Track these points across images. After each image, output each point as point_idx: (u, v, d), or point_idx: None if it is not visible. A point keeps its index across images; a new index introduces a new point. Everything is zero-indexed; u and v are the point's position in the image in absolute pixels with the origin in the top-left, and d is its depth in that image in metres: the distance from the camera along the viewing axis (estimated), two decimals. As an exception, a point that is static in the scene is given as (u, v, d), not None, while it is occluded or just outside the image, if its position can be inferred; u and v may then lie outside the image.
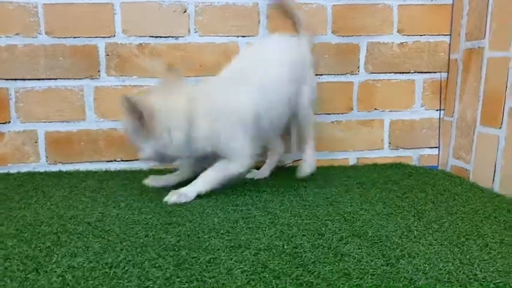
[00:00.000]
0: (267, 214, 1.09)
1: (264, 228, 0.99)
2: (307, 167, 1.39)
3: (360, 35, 1.60)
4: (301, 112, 1.38)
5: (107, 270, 0.77)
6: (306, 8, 1.56)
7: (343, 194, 1.28)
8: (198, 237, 0.93)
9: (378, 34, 1.61)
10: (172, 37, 1.53)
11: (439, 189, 1.34)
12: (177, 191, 1.19)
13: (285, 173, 1.49)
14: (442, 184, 1.41)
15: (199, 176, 1.23)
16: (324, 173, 1.52)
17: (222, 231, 0.97)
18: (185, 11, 1.52)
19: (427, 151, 1.71)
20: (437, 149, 1.71)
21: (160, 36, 1.53)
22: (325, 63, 1.60)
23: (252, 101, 1.23)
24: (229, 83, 1.26)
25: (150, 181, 1.32)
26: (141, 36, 1.52)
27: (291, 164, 1.62)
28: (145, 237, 0.93)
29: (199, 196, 1.21)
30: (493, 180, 1.38)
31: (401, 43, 1.62)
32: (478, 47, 1.47)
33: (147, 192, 1.27)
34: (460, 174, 1.54)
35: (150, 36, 1.53)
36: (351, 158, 1.69)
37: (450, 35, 1.64)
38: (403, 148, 1.69)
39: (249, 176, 1.43)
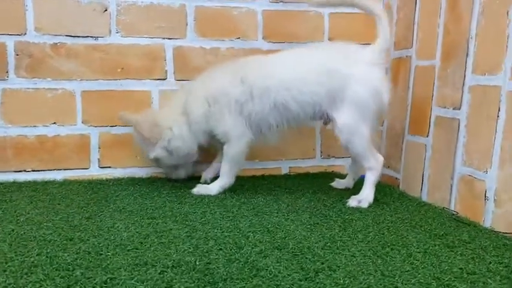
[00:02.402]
0: (184, 227, 1.00)
1: (177, 243, 0.90)
2: (363, 201, 1.23)
3: (292, 42, 1.57)
4: (339, 135, 1.24)
5: (-22, 296, 0.65)
6: (236, 12, 1.51)
7: (271, 204, 1.22)
8: (100, 255, 0.82)
9: (309, 41, 1.58)
10: (91, 37, 1.42)
11: (368, 198, 1.31)
12: (203, 185, 1.33)
13: (210, 183, 1.41)
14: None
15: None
16: (254, 183, 1.45)
17: (129, 248, 0.87)
18: (106, 10, 1.42)
19: (360, 160, 1.69)
20: (369, 158, 1.70)
21: (78, 36, 1.41)
22: (256, 69, 1.55)
23: (234, 88, 1.25)
24: (219, 71, 1.32)
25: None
26: (56, 35, 1.40)
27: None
28: (37, 255, 0.81)
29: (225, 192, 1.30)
30: (421, 189, 1.37)
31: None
32: (406, 56, 1.47)
33: (54, 205, 1.15)
34: (391, 183, 1.53)
35: (67, 36, 1.40)
36: (283, 167, 1.63)
37: (380, 44, 1.64)
38: (335, 157, 1.67)
39: (334, 185, 1.44)
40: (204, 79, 1.34)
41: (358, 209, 1.20)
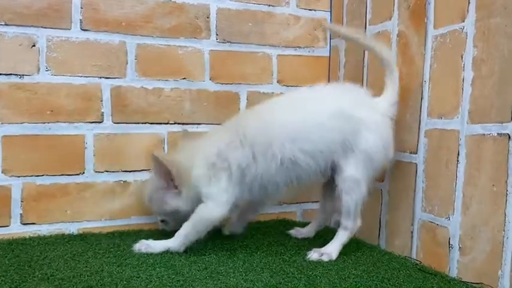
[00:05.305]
0: (128, 297, 0.85)
1: (121, 320, 0.75)
2: (325, 255, 1.14)
3: (240, 83, 1.49)
4: (341, 183, 1.13)
5: None
6: (181, 52, 1.41)
7: (225, 261, 1.10)
8: None
9: (257, 83, 1.52)
10: (15, 75, 1.25)
11: (327, 249, 1.23)
12: (145, 241, 1.16)
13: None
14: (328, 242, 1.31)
15: None
16: (204, 236, 1.32)
17: (60, 331, 0.70)
18: (34, 45, 1.26)
19: (310, 205, 1.62)
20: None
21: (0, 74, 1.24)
22: (204, 111, 1.45)
23: (233, 151, 1.13)
24: (218, 132, 1.23)
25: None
26: (-28, 72, 1.22)
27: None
28: None
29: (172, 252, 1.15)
30: (379, 236, 1.32)
31: (281, 93, 1.54)
32: (356, 99, 1.45)
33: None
34: (345, 230, 1.46)
35: (-14, 73, 1.23)
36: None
37: (328, 87, 1.61)
38: (286, 203, 1.58)
39: (293, 234, 1.35)
40: (206, 141, 1.22)
41: (320, 263, 1.11)
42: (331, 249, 1.15)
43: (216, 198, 1.13)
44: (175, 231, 1.29)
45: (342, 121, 1.11)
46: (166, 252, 1.14)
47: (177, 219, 1.26)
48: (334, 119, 1.11)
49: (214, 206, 1.13)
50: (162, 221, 1.29)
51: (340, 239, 1.17)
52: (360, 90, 1.21)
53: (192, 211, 1.19)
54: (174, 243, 1.14)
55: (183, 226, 1.15)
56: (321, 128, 1.11)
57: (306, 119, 1.11)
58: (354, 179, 1.12)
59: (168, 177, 1.18)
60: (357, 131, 1.12)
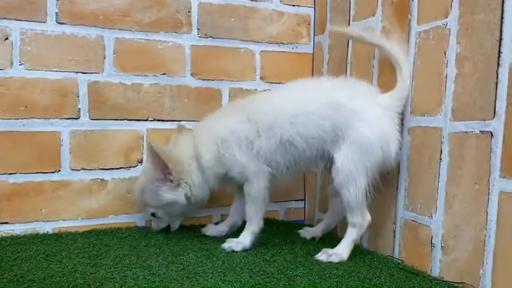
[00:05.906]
0: (100, 300, 0.82)
1: (91, 324, 0.71)
2: (334, 256, 1.12)
3: (222, 80, 1.47)
4: (335, 176, 1.12)
5: None
6: (160, 46, 1.38)
7: (204, 261, 1.07)
8: None
9: (240, 79, 1.49)
10: (-13, 69, 1.21)
11: (308, 249, 1.21)
12: (233, 239, 1.19)
13: (131, 239, 1.22)
14: (311, 242, 1.30)
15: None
16: (183, 236, 1.29)
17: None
18: (7, 39, 1.22)
19: (294, 204, 1.60)
20: (303, 201, 1.61)
21: (-30, 67, 1.19)
22: (185, 108, 1.42)
23: (241, 125, 1.18)
24: (223, 112, 1.29)
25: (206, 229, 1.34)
26: None
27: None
28: None
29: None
30: (361, 235, 1.30)
31: (264, 90, 1.52)
32: (340, 96, 1.43)
33: None
34: (328, 229, 1.45)
35: (-44, 67, 1.18)
36: (214, 215, 1.49)
37: (312, 84, 1.59)
38: (270, 201, 1.55)
39: (301, 234, 1.34)
40: (209, 121, 1.26)
41: (301, 263, 1.08)
42: (341, 249, 1.13)
43: (250, 170, 1.16)
44: (163, 229, 1.27)
45: (333, 111, 1.13)
46: (143, 252, 1.11)
47: (171, 214, 1.26)
48: (325, 108, 1.13)
49: (255, 177, 1.17)
50: (153, 215, 1.26)
51: (351, 236, 1.14)
52: (364, 85, 1.20)
53: (190, 205, 1.22)
54: (253, 225, 1.19)
55: (247, 210, 1.19)
56: (313, 115, 1.13)
57: (302, 106, 1.15)
58: (347, 171, 1.10)
59: (165, 169, 1.18)
60: (349, 122, 1.11)
